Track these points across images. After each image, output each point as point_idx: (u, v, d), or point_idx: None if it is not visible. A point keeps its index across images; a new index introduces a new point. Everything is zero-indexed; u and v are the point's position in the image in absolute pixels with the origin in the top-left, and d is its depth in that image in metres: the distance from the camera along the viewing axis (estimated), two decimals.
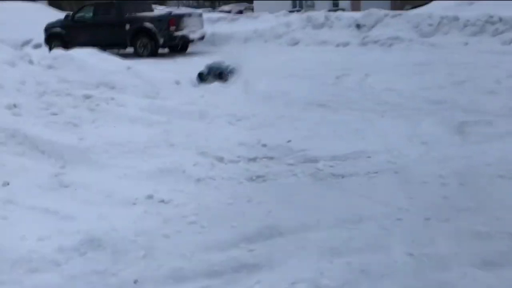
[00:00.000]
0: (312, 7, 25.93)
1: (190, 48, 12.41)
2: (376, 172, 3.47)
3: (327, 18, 12.42)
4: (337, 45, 11.43)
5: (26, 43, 13.45)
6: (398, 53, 9.61)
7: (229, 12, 24.13)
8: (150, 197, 3.11)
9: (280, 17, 13.37)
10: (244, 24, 13.71)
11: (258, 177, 3.54)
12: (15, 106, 4.34)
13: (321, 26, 12.32)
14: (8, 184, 3.04)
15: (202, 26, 12.46)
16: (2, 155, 3.40)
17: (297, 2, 28.12)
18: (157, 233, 2.68)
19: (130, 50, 11.70)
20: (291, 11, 16.01)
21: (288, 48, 11.82)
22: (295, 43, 12.18)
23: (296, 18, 12.92)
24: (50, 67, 6.07)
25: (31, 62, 6.03)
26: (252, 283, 2.18)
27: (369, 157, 3.80)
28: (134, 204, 3.02)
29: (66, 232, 2.60)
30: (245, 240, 2.59)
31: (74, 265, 2.37)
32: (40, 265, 2.34)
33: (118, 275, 2.30)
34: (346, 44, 11.41)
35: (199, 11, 14.69)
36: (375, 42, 10.88)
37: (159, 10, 14.54)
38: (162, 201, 3.09)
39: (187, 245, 2.56)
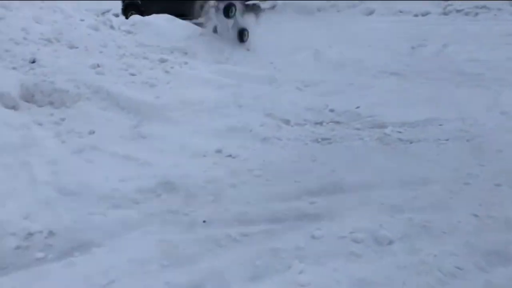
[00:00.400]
0: None
1: (262, 17, 12.48)
2: (447, 140, 3.41)
3: None
4: (415, 15, 10.89)
5: (105, 12, 14.37)
6: (484, 23, 8.97)
7: None
8: (219, 151, 3.34)
9: None
10: None
11: (323, 139, 3.64)
12: (98, 66, 4.76)
13: None
14: (93, 132, 3.42)
15: None
16: (88, 107, 3.80)
17: None
18: (225, 182, 2.90)
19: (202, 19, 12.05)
20: None
21: (362, 18, 11.48)
22: (370, 12, 11.79)
23: None
24: (129, 32, 6.51)
25: (112, 27, 6.51)
26: (312, 230, 2.32)
27: (440, 124, 3.73)
28: (205, 156, 3.27)
29: (144, 176, 2.90)
30: (308, 194, 2.73)
31: (150, 204, 2.66)
32: (121, 202, 2.66)
33: (189, 215, 2.55)
34: (425, 14, 10.84)
35: None
36: (459, 11, 10.22)
37: None
38: (230, 155, 3.31)
39: (252, 195, 2.75)
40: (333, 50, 6.74)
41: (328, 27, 9.42)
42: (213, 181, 2.90)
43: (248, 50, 6.49)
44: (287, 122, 4.00)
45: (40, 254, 2.20)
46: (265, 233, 2.35)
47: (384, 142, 3.50)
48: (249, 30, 7.30)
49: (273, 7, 12.17)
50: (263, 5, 11.71)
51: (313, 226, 2.38)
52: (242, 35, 7.17)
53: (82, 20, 6.06)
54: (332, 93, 4.77)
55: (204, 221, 2.49)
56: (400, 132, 3.65)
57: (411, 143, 3.46)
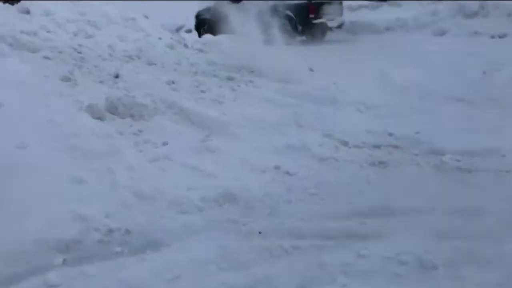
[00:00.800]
0: None
1: (328, 36, 12.71)
2: (508, 171, 3.42)
3: (482, 6, 11.49)
4: (492, 37, 10.53)
5: (179, 28, 15.36)
6: None
7: None
8: (277, 167, 3.62)
9: (426, 5, 12.78)
10: (386, 12, 13.45)
11: (380, 163, 3.78)
12: (173, 82, 5.28)
13: (474, 15, 11.46)
14: (167, 144, 3.85)
15: (341, 14, 12.63)
16: (163, 121, 4.26)
17: None
18: (281, 197, 3.17)
19: (268, 37, 12.51)
20: None
21: (433, 39, 11.30)
22: (442, 33, 11.56)
23: (445, 6, 12.22)
24: (200, 50, 7.06)
25: (185, 46, 7.11)
26: (359, 249, 2.50)
27: (503, 155, 3.72)
28: (264, 172, 3.55)
29: (208, 186, 3.25)
30: (359, 215, 2.91)
31: (213, 212, 2.99)
32: (188, 208, 3.02)
33: (246, 225, 2.84)
34: (503, 36, 10.44)
35: None
36: None
37: None
38: (288, 172, 3.56)
39: (306, 211, 2.98)
40: (399, 72, 6.78)
41: (395, 47, 9.41)
42: (270, 196, 3.17)
43: (311, 70, 6.74)
44: (345, 143, 4.19)
45: (118, 249, 2.59)
46: (315, 248, 2.57)
47: (441, 170, 3.57)
48: None
49: (340, 26, 12.35)
50: (330, 23, 11.96)
51: (361, 245, 2.55)
52: None
53: (160, 38, 6.70)
54: (393, 117, 4.88)
55: (260, 232, 2.76)
56: (458, 160, 3.70)
57: (469, 172, 3.50)
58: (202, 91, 5.25)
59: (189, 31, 14.52)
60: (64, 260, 2.46)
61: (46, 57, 4.88)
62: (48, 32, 5.85)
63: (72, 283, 2.25)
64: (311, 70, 6.80)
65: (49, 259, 2.45)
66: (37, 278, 2.27)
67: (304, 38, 12.58)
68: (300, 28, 11.88)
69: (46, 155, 3.33)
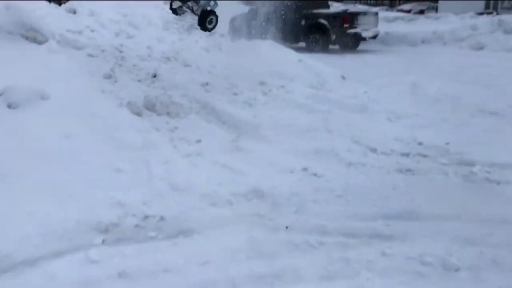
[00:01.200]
0: (509, 9, 23.28)
1: (361, 46, 12.79)
2: None
3: None
4: None
5: (212, 33, 15.75)
6: None
7: (408, 11, 23.51)
8: (305, 169, 3.76)
9: (465, 19, 12.69)
10: (422, 25, 13.45)
11: (407, 170, 3.86)
12: (207, 84, 5.49)
13: None
14: (200, 141, 4.05)
15: (376, 24, 12.71)
16: (197, 120, 4.47)
17: (491, 2, 25.52)
18: (308, 197, 3.30)
19: (302, 44, 12.71)
20: (480, 13, 14.94)
21: (470, 53, 11.23)
22: (480, 47, 11.48)
23: (484, 21, 12.11)
24: (234, 54, 7.28)
25: (220, 49, 7.34)
26: (384, 248, 2.62)
27: None
28: (291, 172, 3.70)
29: (238, 183, 3.42)
30: (384, 218, 3.02)
31: (242, 206, 3.16)
32: (218, 201, 3.20)
33: (273, 221, 2.99)
34: None
35: (375, 9, 14.90)
36: None
37: (335, 7, 15.26)
38: (315, 174, 3.70)
39: (332, 211, 3.11)
40: (432, 84, 6.81)
41: (430, 60, 9.43)
42: (297, 195, 3.32)
43: (344, 78, 6.85)
44: (373, 150, 4.28)
45: (152, 234, 2.78)
46: (340, 244, 2.69)
47: (469, 180, 3.63)
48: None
49: (374, 36, 12.42)
50: (364, 34, 12.05)
51: (385, 244, 2.66)
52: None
53: (196, 41, 6.97)
54: (423, 127, 4.94)
55: (286, 227, 2.91)
56: (488, 172, 3.74)
57: (498, 184, 3.55)
58: (235, 94, 5.44)
59: (222, 36, 14.90)
60: (103, 240, 2.67)
61: (90, 55, 5.18)
62: (92, 31, 6.19)
63: (111, 261, 2.46)
64: (343, 78, 6.91)
65: (90, 239, 2.67)
66: (79, 254, 2.49)
67: (337, 47, 12.71)
68: (334, 37, 12.02)
69: (88, 145, 3.59)
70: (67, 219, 2.78)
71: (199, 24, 8.34)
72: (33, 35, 5.05)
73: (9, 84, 3.96)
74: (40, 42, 5.09)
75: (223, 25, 14.27)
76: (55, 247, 2.54)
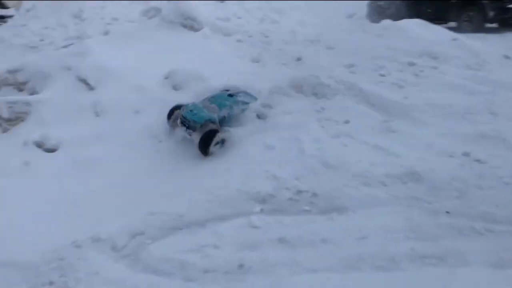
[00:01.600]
0: None
1: None
2: None
3: None
4: None
5: (350, 16, 15.47)
6: None
7: None
8: (466, 154, 3.53)
9: None
10: None
11: None
12: (352, 65, 5.48)
13: None
14: (348, 122, 4.08)
15: None
16: (344, 101, 4.50)
17: None
18: (471, 183, 3.11)
19: (451, 24, 11.75)
20: None
21: None
22: None
23: None
24: (379, 36, 7.09)
25: (363, 30, 7.23)
26: None
27: None
28: (451, 156, 3.51)
29: (391, 164, 3.37)
30: None
31: (396, 188, 3.11)
32: (371, 181, 3.20)
33: (432, 204, 2.90)
34: None
35: None
36: None
37: None
38: (478, 160, 3.45)
39: (500, 199, 2.89)
40: None
41: None
42: (459, 180, 3.14)
43: (508, 58, 6.20)
44: None
45: (306, 207, 2.93)
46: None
47: None
48: None
49: None
50: None
51: None
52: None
53: (339, 24, 6.97)
54: None
55: (447, 212, 2.79)
56: None
57: None
58: (382, 75, 5.32)
59: (359, 19, 14.52)
60: (262, 209, 2.90)
61: (239, 40, 5.58)
62: (239, 18, 6.63)
63: (271, 228, 2.66)
64: (507, 57, 6.25)
65: (249, 207, 2.92)
66: (241, 219, 2.75)
67: (495, 25, 11.45)
68: (491, 14, 10.85)
69: (243, 124, 3.90)
70: (228, 188, 3.08)
71: None
72: (191, 24, 5.61)
73: (174, 68, 4.49)
74: (196, 30, 5.64)
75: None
76: (221, 212, 2.85)
